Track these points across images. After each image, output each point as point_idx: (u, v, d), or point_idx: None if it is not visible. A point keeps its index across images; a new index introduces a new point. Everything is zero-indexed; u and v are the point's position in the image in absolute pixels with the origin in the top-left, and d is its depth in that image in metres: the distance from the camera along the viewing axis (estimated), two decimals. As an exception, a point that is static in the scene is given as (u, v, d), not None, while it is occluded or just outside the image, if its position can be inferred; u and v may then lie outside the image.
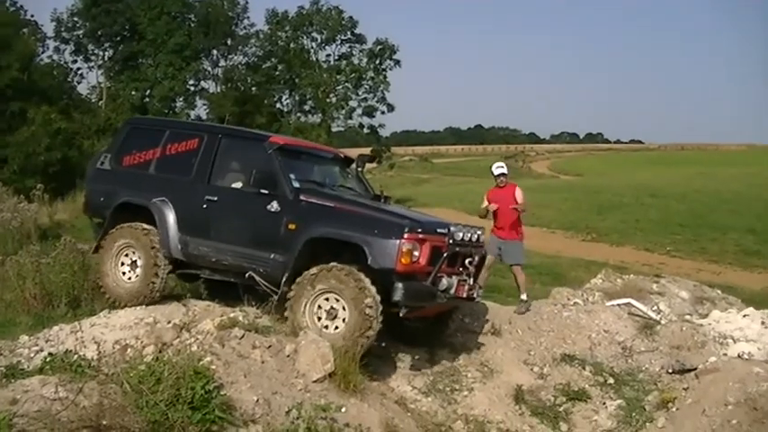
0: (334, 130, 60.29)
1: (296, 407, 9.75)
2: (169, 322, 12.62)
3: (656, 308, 16.72)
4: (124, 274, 14.14)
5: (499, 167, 16.34)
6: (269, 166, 13.13)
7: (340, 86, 62.86)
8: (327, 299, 12.04)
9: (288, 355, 10.82)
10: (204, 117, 58.72)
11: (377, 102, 63.06)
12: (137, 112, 53.35)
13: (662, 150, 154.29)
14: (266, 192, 12.92)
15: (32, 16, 60.82)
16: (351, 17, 63.93)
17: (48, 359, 9.78)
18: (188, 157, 14.06)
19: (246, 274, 12.82)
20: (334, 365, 10.74)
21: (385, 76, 63.33)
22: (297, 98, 63.24)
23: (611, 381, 14.24)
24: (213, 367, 9.67)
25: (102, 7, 58.78)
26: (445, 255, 12.52)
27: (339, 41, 64.51)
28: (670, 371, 14.45)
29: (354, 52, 64.27)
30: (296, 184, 13.05)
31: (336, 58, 64.53)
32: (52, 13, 60.82)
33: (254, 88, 62.28)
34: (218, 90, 61.26)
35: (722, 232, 39.88)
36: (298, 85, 62.35)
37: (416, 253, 11.97)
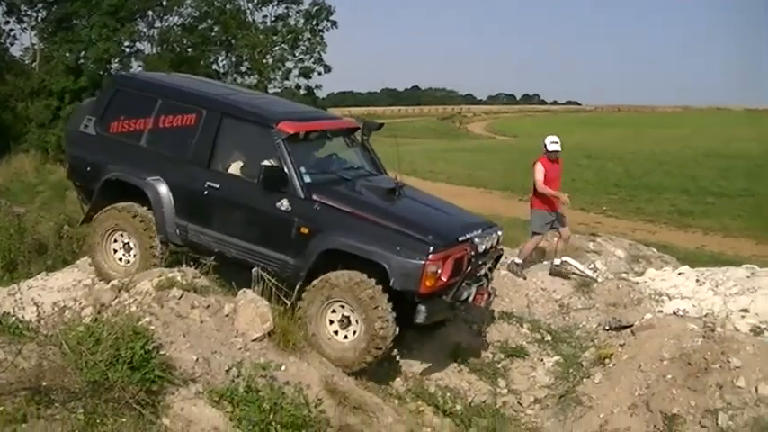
0: (270, 91, 59.81)
1: (236, 365, 9.72)
2: (107, 283, 12.49)
3: (592, 266, 16.92)
4: (116, 252, 13.36)
5: (554, 143, 16.25)
6: (277, 158, 12.21)
7: (276, 48, 62.81)
8: (342, 306, 11.59)
9: (227, 315, 10.68)
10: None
11: (313, 63, 63.21)
12: (71, 75, 52.85)
13: (598, 112, 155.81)
14: (275, 187, 12.09)
15: (-38, -24, 59.81)
16: (286, -23, 63.72)
17: (-14, 321, 9.70)
18: (185, 134, 13.03)
19: (254, 269, 11.92)
20: (274, 324, 10.63)
21: (321, 38, 63.43)
22: (233, 59, 62.99)
23: (548, 338, 14.44)
24: (152, 327, 9.59)
25: (35, -33, 58.03)
26: (467, 268, 12.09)
27: (275, 2, 64.45)
28: (607, 328, 14.69)
29: (291, 13, 64.34)
30: (308, 180, 12.19)
31: (273, 19, 64.47)
32: (-17, -27, 59.88)
33: (189, 50, 61.77)
34: (154, 52, 60.61)
35: (657, 192, 40.55)
36: (234, 46, 62.25)
37: (440, 271, 11.44)
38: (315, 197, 11.99)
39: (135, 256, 13.07)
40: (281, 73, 61.98)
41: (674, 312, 14.44)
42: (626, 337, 13.84)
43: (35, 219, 22.57)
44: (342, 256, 11.64)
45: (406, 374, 12.46)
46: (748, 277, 15.89)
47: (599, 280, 16.21)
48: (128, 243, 13.17)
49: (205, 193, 12.64)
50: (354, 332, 11.49)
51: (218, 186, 12.59)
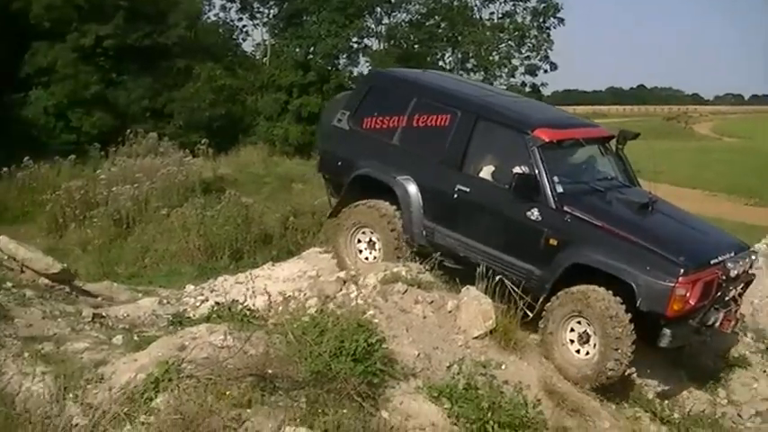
0: (496, 88, 59.89)
1: (457, 362, 9.78)
2: (332, 276, 12.67)
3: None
4: (361, 252, 13.33)
5: None
6: (531, 165, 11.82)
7: (503, 44, 62.37)
8: (580, 322, 11.32)
9: (449, 311, 10.79)
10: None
11: (540, 60, 62.63)
12: (300, 69, 53.84)
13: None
14: (526, 196, 11.73)
15: (200, -25, 61.75)
16: (514, -26, 63.41)
17: (215, 308, 10.04)
18: (438, 135, 12.76)
19: (497, 277, 11.38)
20: (496, 322, 10.67)
21: (548, 35, 62.78)
22: (459, 56, 62.91)
23: (772, 347, 13.98)
24: (376, 321, 9.73)
25: (269, -35, 59.45)
26: (717, 292, 11.61)
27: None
28: (839, 336, 14.13)
29: (518, 10, 63.66)
30: (560, 189, 11.74)
31: (500, 16, 63.99)
32: (218, -28, 61.80)
33: (416, 46, 61.94)
34: (381, 47, 61.29)
35: None
36: (460, 42, 61.92)
37: (688, 295, 10.93)
38: (566, 208, 11.61)
39: (379, 253, 13.10)
40: (506, 70, 61.41)
41: None
42: None
43: (261, 210, 23.18)
44: (588, 270, 11.33)
45: (624, 379, 12.25)
46: None
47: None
48: (372, 240, 13.15)
49: (455, 195, 12.41)
50: (594, 345, 11.19)
51: (468, 190, 12.35)
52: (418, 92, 13.41)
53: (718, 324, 11.85)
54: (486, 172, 12.43)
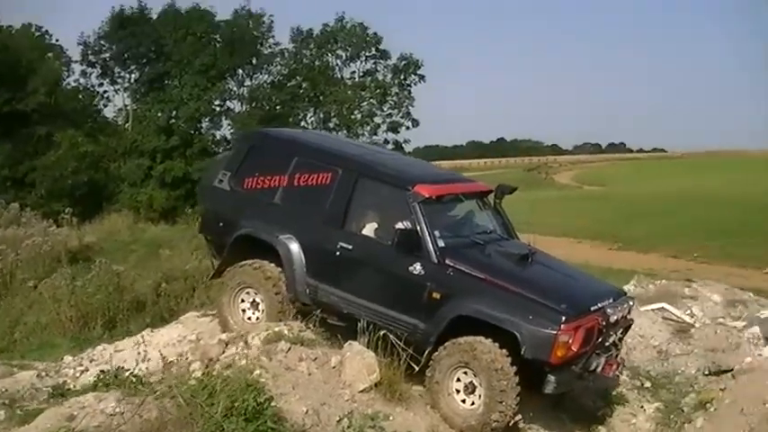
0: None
1: (346, 416, 9.93)
2: (213, 339, 12.68)
3: (689, 311, 16.92)
4: (244, 312, 13.21)
5: None
6: (412, 221, 11.96)
7: (365, 103, 63.03)
8: (466, 373, 11.42)
9: (333, 367, 10.88)
10: (229, 137, 59.21)
11: (401, 117, 63.40)
12: (163, 134, 53.67)
13: (685, 158, 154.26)
14: (409, 251, 11.84)
15: (57, 40, 60.94)
16: (375, 33, 64.27)
17: (101, 376, 10.01)
18: (319, 193, 12.88)
19: (381, 332, 11.43)
20: (380, 375, 10.81)
21: (409, 92, 63.68)
22: (321, 115, 63.30)
23: (647, 384, 14.43)
24: (263, 380, 9.78)
25: (129, 30, 58.66)
26: (598, 338, 11.88)
27: (364, 58, 64.73)
28: (706, 372, 14.68)
29: (379, 68, 64.53)
30: (441, 243, 11.91)
31: (361, 74, 64.79)
32: (79, 36, 60.89)
33: (278, 107, 61.89)
34: (244, 109, 61.20)
35: (749, 237, 40.02)
36: (322, 102, 62.41)
37: (571, 341, 11.12)
38: (448, 262, 11.75)
39: (262, 313, 13.00)
40: (369, 128, 62.02)
41: (774, 355, 14.42)
42: (726, 382, 13.84)
43: (133, 277, 22.94)
44: (471, 322, 11.45)
45: (508, 425, 12.50)
46: None
47: (696, 325, 16.21)
48: (255, 300, 13.06)
49: (338, 253, 12.47)
50: (479, 396, 11.30)
51: (351, 247, 12.43)
52: (299, 151, 13.54)
53: (600, 369, 12.14)
54: (368, 229, 12.58)
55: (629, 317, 12.94)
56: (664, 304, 16.57)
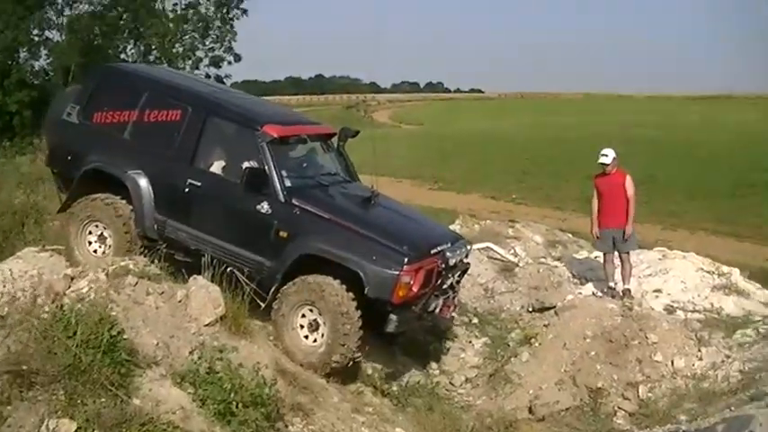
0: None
1: (197, 348, 10.26)
2: (54, 274, 12.71)
3: (512, 251, 17.68)
4: (90, 244, 13.27)
5: (603, 155, 15.75)
6: (260, 160, 12.36)
7: (187, 36, 62.34)
8: (312, 310, 11.83)
9: (179, 301, 11.04)
10: (48, 68, 57.85)
11: (224, 52, 62.97)
12: (-22, 64, 52.15)
13: (501, 99, 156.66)
14: (256, 189, 12.25)
15: None
16: (198, -37, 63.32)
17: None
18: (169, 129, 13.02)
19: (228, 269, 11.69)
20: (225, 309, 11.08)
21: (232, 26, 63.24)
22: (142, 48, 62.27)
23: (475, 320, 15.16)
24: (113, 313, 10.01)
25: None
26: (437, 280, 12.39)
27: (187, -10, 63.83)
28: (530, 309, 15.54)
29: (201, 1, 63.76)
30: (288, 183, 12.37)
31: (183, 6, 63.78)
32: None
33: (98, 38, 60.25)
34: (63, 40, 59.51)
35: (564, 179, 41.22)
36: (143, 34, 61.37)
37: (412, 282, 11.67)
38: (295, 201, 12.20)
39: (109, 247, 13.11)
40: (190, 62, 61.41)
41: (594, 293, 15.26)
42: (549, 318, 14.68)
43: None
44: (316, 261, 11.89)
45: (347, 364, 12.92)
46: (660, 260, 16.81)
47: (520, 264, 16.96)
48: (102, 234, 13.16)
49: (186, 190, 12.73)
50: (322, 335, 11.78)
51: (199, 184, 12.71)
52: (149, 87, 13.63)
53: (438, 310, 12.82)
54: (216, 167, 12.90)
55: (465, 260, 13.55)
56: (489, 244, 17.29)
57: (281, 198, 12.23)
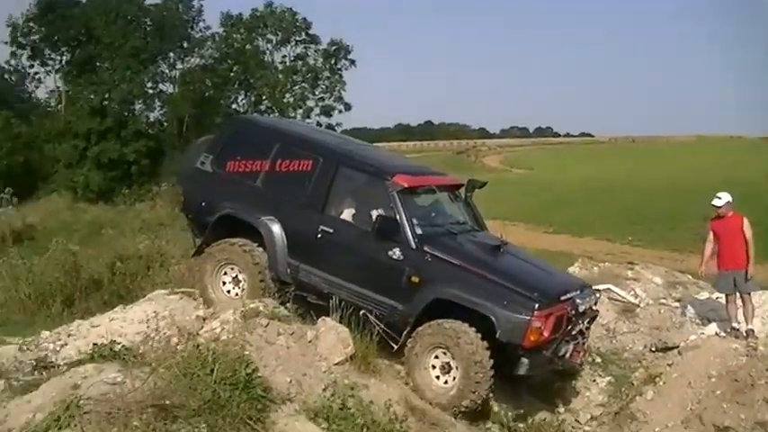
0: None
1: (330, 385, 10.58)
2: (184, 315, 13.10)
3: (633, 292, 17.66)
4: (224, 284, 13.70)
5: (717, 197, 15.57)
6: (391, 209, 12.73)
7: (297, 87, 63.43)
8: (445, 353, 12.02)
9: (309, 341, 11.44)
10: (162, 119, 59.34)
11: (334, 101, 63.83)
12: (96, 116, 53.40)
13: (612, 143, 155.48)
14: (388, 237, 12.56)
15: (-15, 22, 60.73)
16: (304, 18, 64.96)
17: (96, 349, 10.45)
18: (301, 179, 13.46)
19: (361, 312, 12.25)
20: (354, 349, 11.44)
21: (341, 76, 64.19)
22: (252, 99, 63.46)
23: (598, 360, 15.13)
24: (247, 353, 10.37)
25: (58, 12, 58.42)
26: (567, 325, 12.58)
27: (294, 42, 65.37)
28: (653, 349, 15.46)
29: (309, 53, 65.07)
30: (419, 231, 12.64)
31: (292, 59, 65.14)
32: (7, 18, 60.40)
33: (210, 90, 62.34)
34: (176, 92, 61.08)
35: (679, 221, 40.81)
36: (253, 85, 62.67)
37: (543, 327, 11.87)
38: (426, 248, 12.41)
39: (243, 289, 13.47)
40: (301, 111, 62.48)
41: (717, 334, 15.17)
42: (673, 358, 14.59)
43: (89, 256, 23.11)
44: (448, 307, 12.12)
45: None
46: (784, 300, 16.57)
47: (641, 305, 16.96)
48: (237, 277, 13.53)
49: (318, 236, 13.06)
50: (454, 378, 11.98)
51: (331, 231, 13.04)
52: (281, 138, 14.12)
53: (568, 355, 13.03)
54: (347, 214, 13.22)
55: (594, 308, 13.74)
56: (609, 285, 17.28)
57: (413, 245, 12.46)
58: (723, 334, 15.12)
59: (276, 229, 13.31)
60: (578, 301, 12.75)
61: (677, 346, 14.93)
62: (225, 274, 13.61)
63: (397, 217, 12.57)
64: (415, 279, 12.35)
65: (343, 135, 15.64)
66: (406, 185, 12.82)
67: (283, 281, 13.29)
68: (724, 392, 13.12)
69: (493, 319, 11.76)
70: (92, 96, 56.33)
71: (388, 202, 12.73)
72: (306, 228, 13.20)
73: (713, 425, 12.75)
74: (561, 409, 13.91)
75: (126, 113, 56.83)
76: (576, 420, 13.80)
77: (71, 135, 54.12)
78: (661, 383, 13.87)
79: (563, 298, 12.50)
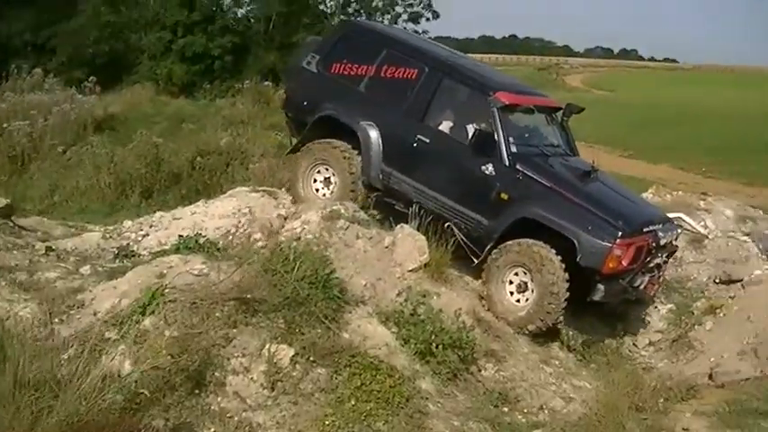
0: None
1: (404, 290, 11.06)
2: (264, 212, 13.46)
3: (703, 223, 17.73)
4: (315, 181, 13.97)
5: None
6: (489, 124, 12.79)
7: (387, -10, 62.75)
8: (518, 273, 12.30)
9: (386, 246, 11.88)
10: (250, 15, 59.09)
11: (422, 8, 63.26)
12: (185, 8, 53.38)
13: (697, 71, 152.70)
14: (483, 151, 12.69)
15: None
16: None
17: (182, 241, 10.88)
18: (404, 86, 13.60)
19: (446, 224, 12.55)
20: (429, 257, 11.82)
21: (432, -18, 63.39)
22: (341, 1, 62.98)
23: (662, 287, 15.32)
24: (326, 253, 10.78)
25: None
26: (646, 257, 12.76)
27: (387, -54, 64.30)
28: (717, 281, 15.54)
29: (401, -44, 64.06)
30: (514, 149, 12.78)
31: (383, -39, 64.30)
32: None
33: (299, -11, 61.07)
34: (265, -10, 60.46)
35: (758, 154, 40.32)
36: (343, -14, 62.11)
37: (623, 256, 12.09)
38: (518, 167, 12.59)
39: (333, 190, 13.78)
40: (389, 17, 61.74)
41: (782, 270, 15.31)
42: (736, 291, 14.75)
43: (170, 149, 23.43)
44: (532, 226, 12.34)
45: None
46: None
47: (710, 237, 17.06)
48: (329, 178, 13.83)
49: (415, 144, 13.25)
50: (527, 300, 12.26)
51: (428, 141, 13.21)
52: (390, 44, 14.28)
53: (643, 287, 13.20)
54: (445, 126, 13.41)
55: (675, 242, 13.92)
56: (680, 214, 17.33)
57: (506, 162, 12.63)
58: (787, 269, 15.25)
59: (374, 134, 13.51)
60: (660, 234, 12.90)
61: (741, 280, 15.07)
62: (318, 172, 13.89)
63: (495, 133, 12.72)
64: (504, 196, 12.56)
65: (448, 48, 15.73)
66: (507, 102, 12.95)
67: (374, 187, 13.58)
68: (783, 329, 13.34)
69: (575, 242, 11.95)
70: (182, -12, 56.23)
71: (487, 118, 12.85)
72: (403, 135, 13.41)
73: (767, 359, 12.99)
74: (621, 332, 14.15)
75: (214, 8, 56.61)
76: (633, 344, 14.05)
77: (158, 26, 54.21)
78: (721, 315, 14.05)
79: (646, 230, 12.66)
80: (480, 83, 13.49)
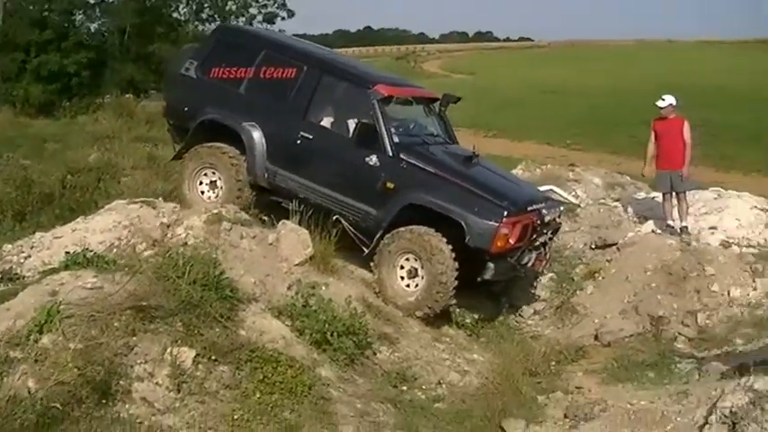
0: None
1: (293, 284, 11.32)
2: (147, 223, 13.50)
3: (574, 193, 18.41)
4: (203, 192, 14.20)
5: (661, 99, 16.34)
6: (371, 117, 13.20)
7: (239, -7, 62.52)
8: (408, 259, 12.71)
9: (271, 243, 12.17)
10: (103, 30, 58.36)
11: (276, 8, 63.18)
12: (36, 28, 52.58)
13: (551, 47, 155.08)
14: (366, 143, 13.13)
15: None
16: None
17: (70, 257, 10.91)
18: (284, 86, 13.94)
19: (334, 217, 13.04)
20: (313, 250, 12.18)
21: (281, -18, 63.35)
22: (194, 7, 62.55)
23: (541, 257, 15.86)
24: (214, 256, 10.98)
25: None
26: (532, 235, 13.19)
27: (235, -51, 64.02)
28: (593, 246, 16.21)
29: (251, -42, 63.83)
30: (396, 140, 13.20)
31: (235, -36, 64.03)
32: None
33: (152, -1, 60.75)
34: (118, 1, 59.75)
35: (617, 125, 41.44)
36: (195, -7, 61.73)
37: (510, 234, 12.47)
38: (402, 156, 13.07)
39: (220, 193, 14.05)
40: (244, 19, 61.44)
41: (653, 231, 15.96)
42: (612, 254, 15.45)
43: (39, 170, 23.14)
44: (419, 213, 12.76)
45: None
46: (715, 199, 17.36)
47: (582, 205, 17.69)
48: (215, 181, 14.07)
49: (298, 141, 13.60)
50: (416, 285, 12.67)
51: (311, 137, 13.58)
52: (267, 45, 14.68)
53: (531, 263, 13.71)
54: (327, 122, 13.84)
55: (558, 220, 14.46)
56: (551, 186, 17.92)
57: (390, 152, 13.07)
58: (659, 231, 15.91)
59: (257, 134, 13.85)
60: (544, 212, 13.43)
61: (616, 244, 15.73)
62: (205, 175, 14.12)
63: (376, 125, 13.11)
64: (390, 185, 12.96)
65: (322, 46, 16.13)
66: (386, 94, 13.39)
67: (260, 186, 13.88)
68: (659, 285, 14.04)
69: (463, 224, 12.38)
70: (31, 7, 55.32)
71: (368, 110, 13.25)
72: (286, 133, 13.77)
73: (648, 315, 13.66)
74: (506, 305, 14.64)
75: (66, 24, 55.78)
76: (519, 315, 14.62)
77: (10, 48, 53.30)
78: (600, 278, 14.74)
79: (530, 208, 13.18)
80: (359, 77, 13.99)
